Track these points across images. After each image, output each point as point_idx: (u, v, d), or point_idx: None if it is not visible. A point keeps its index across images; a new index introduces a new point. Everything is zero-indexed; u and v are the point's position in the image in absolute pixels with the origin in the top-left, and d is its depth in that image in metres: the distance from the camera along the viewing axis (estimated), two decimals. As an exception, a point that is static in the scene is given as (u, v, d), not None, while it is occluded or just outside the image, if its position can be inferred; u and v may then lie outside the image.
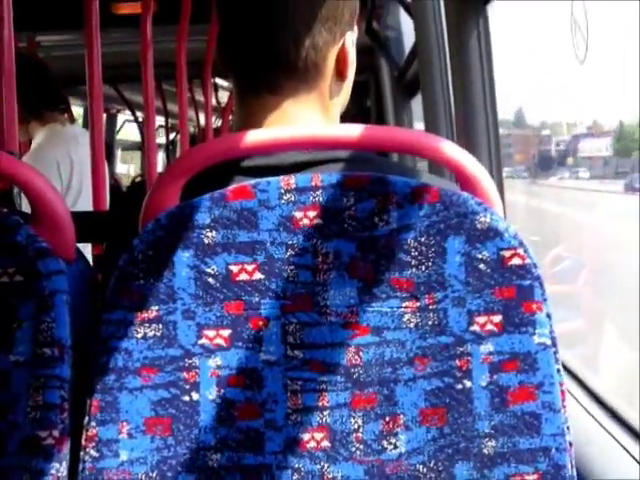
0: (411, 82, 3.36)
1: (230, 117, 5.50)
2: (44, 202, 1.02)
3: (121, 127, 8.52)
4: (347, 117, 1.19)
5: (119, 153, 9.18)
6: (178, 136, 8.26)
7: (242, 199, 0.97)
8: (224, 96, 6.07)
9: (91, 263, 1.80)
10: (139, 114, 7.13)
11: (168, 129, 7.61)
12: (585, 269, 2.38)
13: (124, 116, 8.19)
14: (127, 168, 11.06)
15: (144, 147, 8.85)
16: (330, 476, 0.98)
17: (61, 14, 3.27)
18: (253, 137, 1.01)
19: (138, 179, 8.05)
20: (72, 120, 2.90)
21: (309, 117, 1.13)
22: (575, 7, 1.51)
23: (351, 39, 1.15)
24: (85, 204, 2.67)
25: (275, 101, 1.13)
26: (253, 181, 0.98)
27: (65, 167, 2.74)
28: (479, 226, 0.98)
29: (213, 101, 5.82)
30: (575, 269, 2.39)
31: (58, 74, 3.72)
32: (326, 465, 0.98)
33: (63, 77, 3.86)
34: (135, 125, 8.60)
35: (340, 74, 1.16)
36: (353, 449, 0.98)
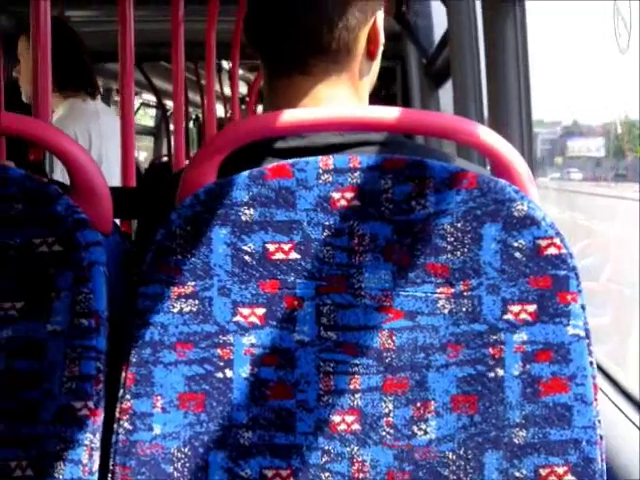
0: (440, 71, 3.34)
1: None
2: (84, 174, 1.02)
3: (137, 110, 8.52)
4: (374, 103, 1.19)
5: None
6: (190, 124, 8.22)
7: (280, 178, 0.98)
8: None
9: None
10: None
11: (187, 116, 7.60)
12: (608, 266, 2.35)
13: (139, 99, 8.20)
14: (136, 154, 11.01)
15: (159, 133, 8.87)
16: (360, 459, 0.98)
17: None
18: (290, 116, 1.01)
19: (157, 162, 8.07)
20: (95, 96, 2.88)
21: (341, 98, 1.13)
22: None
23: (381, 18, 1.15)
24: None
25: (307, 82, 1.13)
26: (292, 160, 0.98)
27: (84, 142, 2.74)
28: (516, 214, 0.97)
29: (226, 90, 5.81)
30: (598, 267, 2.36)
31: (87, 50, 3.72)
32: (356, 448, 0.98)
33: (92, 54, 3.86)
34: (143, 110, 8.61)
35: (370, 53, 1.16)
36: (383, 433, 0.98)
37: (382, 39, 1.16)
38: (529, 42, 1.87)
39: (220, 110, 7.08)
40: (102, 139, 2.80)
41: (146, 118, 9.37)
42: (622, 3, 1.47)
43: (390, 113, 1.01)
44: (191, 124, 8.49)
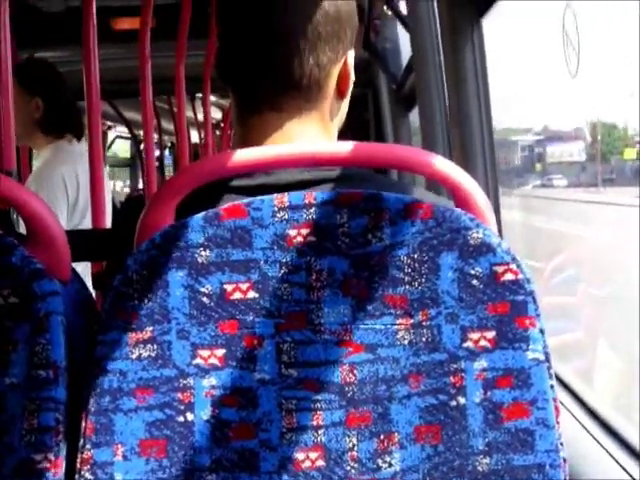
0: (409, 95, 3.36)
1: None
2: (39, 222, 1.02)
3: (112, 143, 8.54)
4: (347, 132, 1.19)
5: (107, 169, 9.21)
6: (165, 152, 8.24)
7: (236, 218, 0.98)
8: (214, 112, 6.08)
9: (91, 282, 1.81)
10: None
11: (162, 146, 7.63)
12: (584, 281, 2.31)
13: (114, 132, 8.21)
14: (112, 184, 11.12)
15: (134, 163, 8.87)
16: None
17: (60, 30, 3.28)
18: (247, 155, 1.01)
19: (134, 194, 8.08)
20: (80, 137, 2.88)
21: (310, 136, 1.14)
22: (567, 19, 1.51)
23: (352, 57, 1.16)
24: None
25: (277, 119, 1.13)
26: (247, 199, 0.99)
27: (72, 185, 2.73)
28: (472, 242, 0.98)
29: (200, 117, 5.84)
30: (574, 281, 2.32)
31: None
32: None
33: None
34: (120, 141, 8.62)
35: (341, 93, 1.16)
36: (348, 468, 0.98)
37: (352, 78, 1.17)
38: (497, 50, 1.89)
39: (195, 136, 7.11)
40: (88, 179, 2.80)
41: (123, 150, 9.41)
42: (571, 29, 1.48)
43: (345, 148, 1.02)
44: (167, 152, 8.51)
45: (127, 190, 10.42)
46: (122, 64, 3.57)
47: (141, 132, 6.74)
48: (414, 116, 3.59)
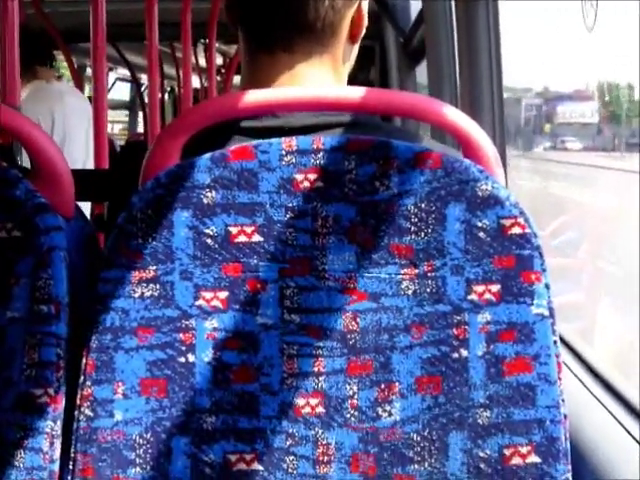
0: (416, 49, 3.33)
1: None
2: (44, 158, 1.01)
3: (112, 86, 8.49)
4: (353, 84, 1.18)
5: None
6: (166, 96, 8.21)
7: (243, 160, 0.97)
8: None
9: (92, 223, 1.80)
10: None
11: (163, 90, 7.59)
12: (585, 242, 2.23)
13: (114, 74, 8.16)
14: (111, 127, 11.06)
15: (134, 106, 8.81)
16: (324, 442, 0.98)
17: None
18: (254, 97, 1.00)
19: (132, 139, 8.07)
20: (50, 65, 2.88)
21: (321, 79, 1.12)
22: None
23: (366, 2, 1.15)
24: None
25: (288, 60, 1.12)
26: (254, 142, 0.97)
27: (46, 124, 2.73)
28: (480, 194, 0.97)
29: (201, 62, 5.80)
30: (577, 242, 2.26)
31: (62, 30, 3.69)
32: (320, 431, 0.98)
33: (66, 33, 3.83)
34: (119, 84, 8.56)
35: (353, 38, 1.15)
36: (348, 415, 0.98)
37: (366, 23, 1.16)
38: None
39: (195, 81, 7.08)
40: (66, 119, 2.79)
41: (119, 94, 9.36)
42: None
43: (357, 93, 1.00)
44: (166, 96, 8.48)
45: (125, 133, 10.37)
46: (126, 6, 3.53)
47: (141, 75, 6.71)
48: (419, 72, 3.56)
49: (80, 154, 2.82)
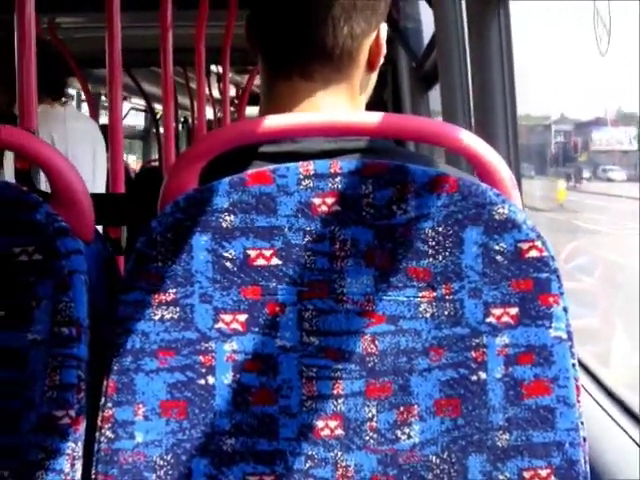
0: (429, 73, 3.35)
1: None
2: (64, 182, 1.02)
3: (126, 114, 8.54)
4: (365, 108, 1.18)
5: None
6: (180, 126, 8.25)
7: (261, 184, 0.97)
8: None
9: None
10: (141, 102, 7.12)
11: (177, 119, 7.63)
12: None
13: (129, 104, 8.22)
14: (125, 156, 11.08)
15: (149, 135, 8.86)
16: (343, 464, 0.98)
17: None
18: (270, 122, 1.01)
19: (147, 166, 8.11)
20: (62, 102, 2.89)
21: (339, 107, 1.12)
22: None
23: (384, 30, 1.15)
24: None
25: (306, 87, 1.12)
26: (272, 166, 0.98)
27: None
28: (497, 217, 0.97)
29: (215, 93, 5.83)
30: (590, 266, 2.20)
31: (77, 56, 3.72)
32: (339, 453, 0.98)
33: (81, 59, 3.86)
34: (132, 113, 8.62)
35: (371, 66, 1.15)
36: (367, 438, 0.98)
37: (384, 52, 1.16)
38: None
39: (208, 112, 7.10)
40: (68, 144, 2.80)
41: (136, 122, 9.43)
42: (602, 5, 1.46)
43: (373, 118, 1.01)
44: (180, 127, 8.53)
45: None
46: (140, 32, 3.56)
47: (155, 105, 6.74)
48: (432, 98, 3.57)
49: (87, 178, 2.83)
